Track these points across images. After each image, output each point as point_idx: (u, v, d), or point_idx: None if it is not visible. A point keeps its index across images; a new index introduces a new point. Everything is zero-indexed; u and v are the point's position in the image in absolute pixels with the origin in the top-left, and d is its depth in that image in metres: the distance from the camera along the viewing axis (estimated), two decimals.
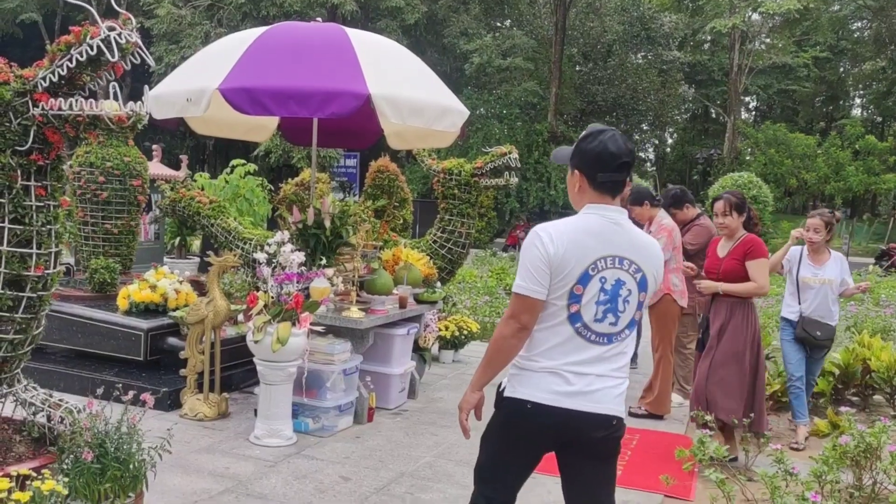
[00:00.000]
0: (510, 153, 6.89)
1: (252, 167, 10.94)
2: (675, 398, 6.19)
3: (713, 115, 42.20)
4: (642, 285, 2.51)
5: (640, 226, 6.08)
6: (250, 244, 6.64)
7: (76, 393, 5.33)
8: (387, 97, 4.75)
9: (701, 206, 6.90)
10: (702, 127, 43.49)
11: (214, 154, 36.83)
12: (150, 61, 2.95)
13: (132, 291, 5.89)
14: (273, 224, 11.92)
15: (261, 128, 6.59)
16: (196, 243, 13.97)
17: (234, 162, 11.09)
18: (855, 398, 6.41)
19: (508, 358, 2.55)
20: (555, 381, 2.48)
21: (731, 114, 26.85)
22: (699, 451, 3.60)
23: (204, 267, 10.83)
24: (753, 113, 45.18)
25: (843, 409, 4.34)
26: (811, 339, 5.30)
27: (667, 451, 5.06)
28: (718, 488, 3.37)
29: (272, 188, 11.23)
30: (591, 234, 2.45)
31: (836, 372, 6.19)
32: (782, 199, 24.54)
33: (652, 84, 31.57)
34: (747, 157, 25.91)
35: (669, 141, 46.08)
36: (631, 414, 5.85)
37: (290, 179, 9.43)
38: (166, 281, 6.03)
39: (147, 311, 5.88)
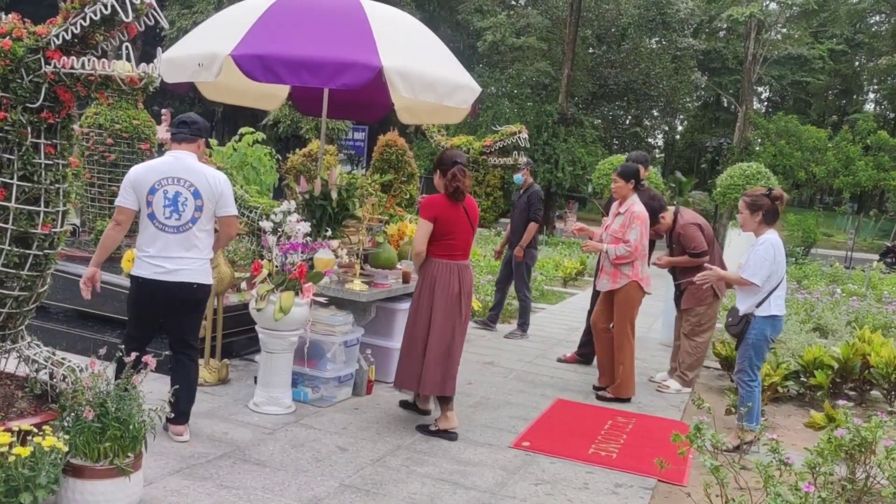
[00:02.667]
0: (520, 132, 6.89)
1: (260, 135, 10.87)
2: (673, 384, 6.22)
3: (725, 104, 41.95)
4: (196, 195, 3.98)
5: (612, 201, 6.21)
6: (256, 212, 6.65)
7: (78, 353, 5.38)
8: (399, 70, 4.72)
9: (707, 195, 6.94)
10: (713, 115, 43.26)
11: (223, 121, 36.74)
12: (164, 23, 2.93)
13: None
14: (279, 194, 11.91)
15: (271, 96, 6.56)
16: None
17: (242, 130, 11.02)
18: (852, 392, 6.42)
19: (112, 244, 4.00)
20: (152, 263, 3.94)
21: (744, 103, 26.64)
22: (695, 438, 3.61)
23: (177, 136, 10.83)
24: (766, 103, 44.92)
25: (840, 402, 4.34)
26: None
27: (662, 436, 5.09)
28: (712, 475, 3.39)
29: (279, 157, 11.19)
30: (153, 167, 3.99)
31: (835, 366, 6.20)
32: (790, 191, 24.40)
33: (665, 70, 31.31)
34: (756, 148, 25.74)
35: (679, 128, 45.86)
36: (599, 397, 5.86)
37: (298, 150, 9.41)
38: None
39: None
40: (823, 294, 11.26)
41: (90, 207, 7.23)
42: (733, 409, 5.09)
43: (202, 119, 4.27)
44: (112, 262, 6.20)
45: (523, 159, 7.17)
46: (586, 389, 6.12)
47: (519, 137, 6.81)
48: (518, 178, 8.83)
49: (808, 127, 25.33)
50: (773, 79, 36.42)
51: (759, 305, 4.92)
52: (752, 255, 4.84)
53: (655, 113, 38.49)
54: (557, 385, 6.23)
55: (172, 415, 4.00)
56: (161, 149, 9.63)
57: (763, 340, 4.98)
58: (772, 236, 4.88)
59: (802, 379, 6.34)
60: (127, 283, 5.70)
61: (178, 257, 3.97)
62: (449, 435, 4.68)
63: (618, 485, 4.20)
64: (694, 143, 43.17)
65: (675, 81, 32.52)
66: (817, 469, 3.54)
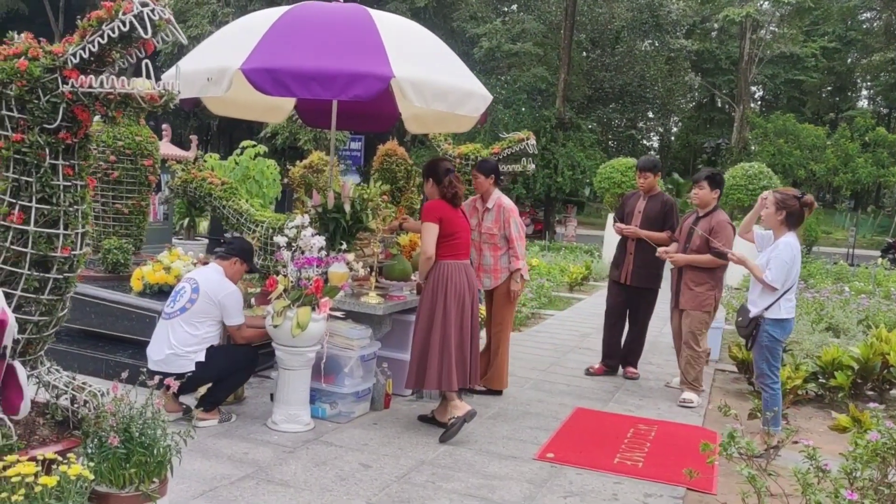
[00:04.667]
0: (528, 139, 6.83)
1: (262, 149, 10.84)
2: (693, 397, 6.03)
3: (719, 105, 42.00)
4: (195, 290, 4.65)
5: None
6: (262, 227, 6.57)
7: (90, 374, 5.30)
8: (411, 80, 4.67)
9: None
10: (707, 116, 43.33)
11: (219, 135, 36.72)
12: (182, 38, 2.86)
13: (146, 273, 5.83)
14: (281, 206, 11.85)
15: (277, 109, 6.50)
16: (204, 224, 13.90)
17: (244, 143, 10.99)
18: (871, 392, 6.36)
19: None
20: None
21: (741, 103, 26.66)
22: (728, 446, 3.54)
23: (212, 248, 10.78)
24: (759, 102, 44.97)
25: (871, 405, 4.28)
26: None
27: (685, 443, 5.03)
28: (750, 484, 3.32)
29: (282, 171, 11.16)
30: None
31: (856, 367, 6.14)
32: None
33: (659, 72, 31.40)
34: (754, 148, 25.76)
35: (674, 130, 45.92)
36: (469, 390, 5.49)
37: (298, 162, 9.35)
38: (180, 262, 5.97)
39: (161, 292, 5.81)
40: (832, 293, 11.21)
41: (94, 226, 7.16)
42: (758, 414, 5.03)
43: (240, 241, 5.04)
44: (122, 282, 6.16)
45: (531, 166, 7.11)
46: (604, 397, 6.05)
47: (527, 144, 6.75)
48: None
49: (806, 125, 25.36)
50: (767, 78, 36.50)
51: (768, 308, 4.88)
52: (775, 258, 4.79)
53: (650, 115, 38.58)
54: (574, 393, 6.16)
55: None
56: (164, 164, 9.59)
57: (775, 342, 4.95)
58: (793, 240, 4.85)
59: (822, 380, 6.28)
60: (138, 301, 5.67)
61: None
62: (469, 414, 4.75)
63: (647, 495, 4.13)
64: (689, 144, 43.23)
65: (670, 83, 32.64)
66: (853, 475, 3.47)
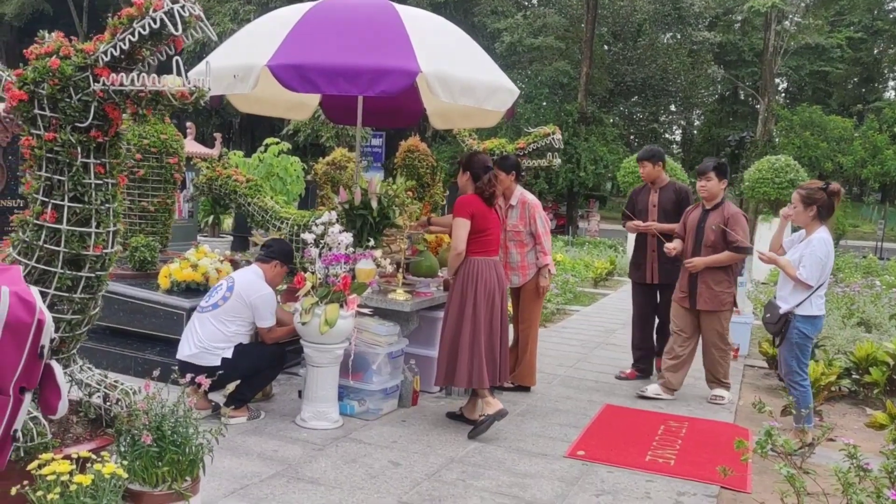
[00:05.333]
0: (553, 134, 6.76)
1: (286, 145, 10.86)
2: (724, 393, 5.93)
3: (742, 98, 41.51)
4: (230, 288, 4.76)
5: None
6: (287, 224, 6.57)
7: (119, 371, 5.34)
8: (438, 75, 4.63)
9: (729, 189, 6.71)
10: (730, 109, 42.82)
11: (241, 132, 36.91)
12: (212, 34, 2.85)
13: (173, 270, 5.85)
14: (305, 203, 11.87)
15: (302, 105, 6.50)
16: (228, 222, 13.96)
17: (268, 140, 11.01)
18: None
19: None
20: None
21: (765, 95, 26.33)
22: (765, 443, 3.48)
23: (237, 245, 10.81)
24: (783, 95, 44.42)
25: None
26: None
27: (717, 440, 4.96)
28: (788, 483, 3.25)
29: (305, 168, 11.18)
30: None
31: (891, 362, 6.03)
32: None
33: (682, 64, 31.08)
34: (778, 140, 25.44)
35: (697, 123, 45.46)
36: (498, 387, 5.33)
37: (321, 158, 9.35)
38: (207, 260, 5.98)
39: (188, 290, 5.84)
40: (862, 287, 11.03)
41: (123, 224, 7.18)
42: (792, 410, 4.95)
43: (279, 244, 5.04)
44: (150, 279, 6.18)
45: (557, 161, 7.04)
46: (633, 394, 5.99)
47: (553, 139, 6.68)
48: None
49: (832, 117, 25.00)
50: (791, 69, 36.00)
51: (799, 304, 4.79)
52: (810, 254, 4.69)
53: (673, 108, 38.24)
54: (603, 389, 6.10)
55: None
56: (189, 162, 9.63)
57: (806, 339, 4.85)
58: (826, 235, 4.76)
59: (855, 376, 6.18)
60: (165, 298, 5.69)
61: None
62: (500, 413, 4.71)
63: (680, 493, 4.07)
64: (712, 138, 42.76)
65: (693, 76, 32.30)
66: (895, 474, 3.39)
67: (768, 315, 5.00)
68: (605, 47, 31.63)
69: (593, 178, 25.29)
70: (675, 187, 6.41)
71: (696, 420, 5.41)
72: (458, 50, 5.17)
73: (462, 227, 4.75)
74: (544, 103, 26.83)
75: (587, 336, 8.40)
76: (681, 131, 45.98)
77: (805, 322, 4.81)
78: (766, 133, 25.65)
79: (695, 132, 45.50)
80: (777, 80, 36.18)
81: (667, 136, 42.38)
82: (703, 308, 5.77)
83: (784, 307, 4.85)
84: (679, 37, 31.98)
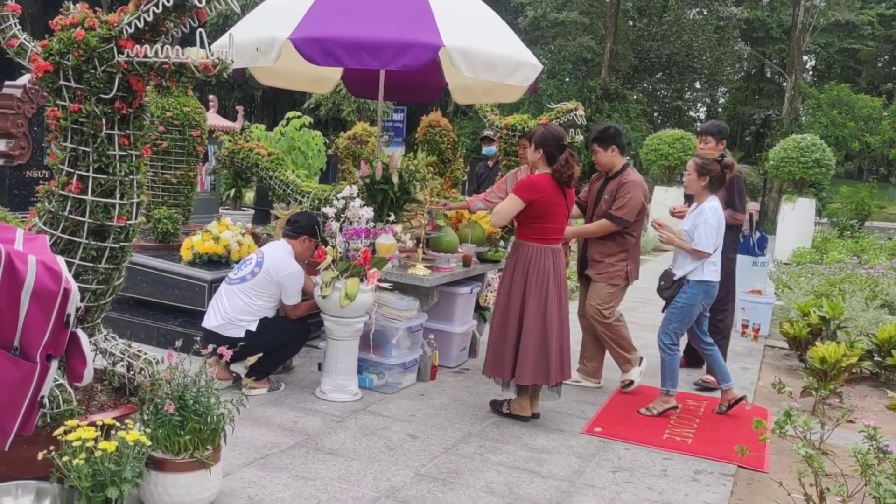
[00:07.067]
0: (576, 110, 6.70)
1: (307, 119, 10.86)
2: (628, 377, 5.63)
3: (768, 75, 40.87)
4: (259, 264, 4.77)
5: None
6: (308, 197, 6.58)
7: (142, 341, 5.40)
8: (461, 49, 4.61)
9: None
10: (756, 86, 42.18)
11: (262, 106, 36.94)
12: (236, 7, 2.84)
13: (196, 242, 5.90)
14: (326, 177, 11.88)
15: (324, 79, 6.49)
16: (249, 195, 14.02)
17: (289, 114, 11.01)
18: None
19: None
20: None
21: (793, 73, 25.89)
22: (784, 424, 3.47)
23: (258, 219, 10.86)
24: (811, 72, 43.66)
25: None
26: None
27: (734, 419, 4.95)
28: (806, 463, 3.24)
29: (326, 142, 11.18)
30: None
31: None
32: (842, 162, 23.76)
33: (708, 41, 30.60)
34: (804, 119, 25.03)
35: (721, 101, 44.87)
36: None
37: (342, 133, 9.35)
38: (229, 233, 6.02)
39: (210, 262, 5.89)
40: (887, 269, 10.89)
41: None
42: (812, 392, 4.92)
43: (306, 218, 5.01)
44: (172, 251, 6.24)
45: (579, 137, 6.98)
46: (651, 372, 5.94)
47: (575, 115, 6.60)
48: (490, 149, 8.68)
49: (861, 96, 24.55)
50: (820, 47, 35.34)
51: (692, 271, 4.87)
52: (703, 224, 4.78)
53: (697, 85, 37.72)
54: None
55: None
56: (211, 135, 9.67)
57: (692, 305, 4.88)
58: (715, 203, 4.87)
59: (877, 359, 6.13)
60: (188, 270, 5.74)
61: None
62: (521, 418, 4.62)
63: (697, 471, 4.08)
64: (737, 116, 42.18)
65: (718, 52, 31.80)
66: None
67: (662, 283, 5.05)
68: (630, 22, 31.18)
69: None
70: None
71: (714, 399, 5.39)
72: (482, 24, 5.13)
73: (513, 204, 4.41)
74: (567, 79, 26.60)
75: None
76: (705, 109, 45.39)
77: (697, 287, 4.85)
78: (793, 111, 25.26)
79: (719, 110, 44.88)
80: (805, 58, 35.56)
81: (691, 113, 41.86)
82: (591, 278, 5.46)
83: (679, 273, 4.92)
84: (705, 12, 31.47)
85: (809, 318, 6.67)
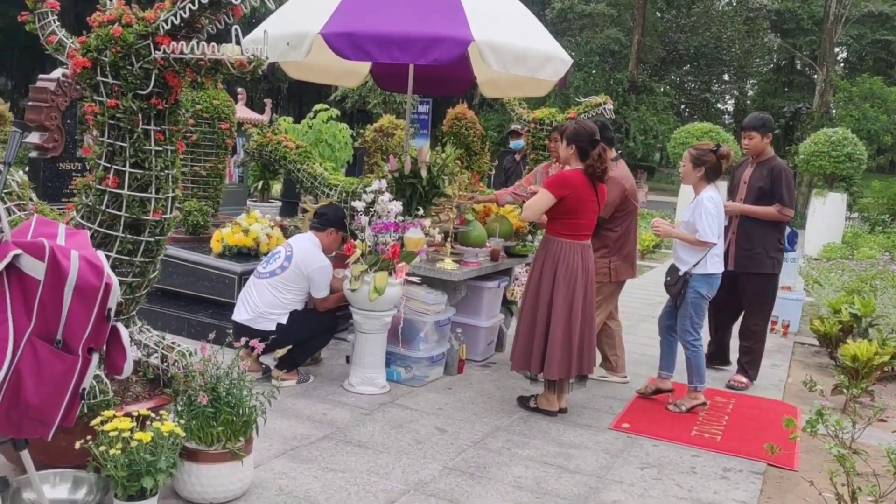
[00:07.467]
0: (605, 104, 6.67)
1: (335, 112, 10.91)
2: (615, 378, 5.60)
3: (798, 67, 40.31)
4: (288, 258, 4.84)
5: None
6: (335, 190, 6.62)
7: (172, 332, 5.46)
8: (491, 44, 4.60)
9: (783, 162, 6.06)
10: (786, 79, 41.63)
11: (289, 98, 37.12)
12: (270, 3, 2.87)
13: (225, 235, 5.96)
14: (352, 170, 11.93)
15: (353, 73, 6.51)
16: (277, 187, 14.11)
17: (317, 107, 11.06)
18: None
19: None
20: None
21: (824, 65, 25.51)
22: (815, 423, 3.44)
23: (286, 211, 10.94)
24: (842, 65, 42.98)
25: None
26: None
27: (764, 416, 4.92)
28: (838, 463, 3.22)
29: (353, 134, 11.22)
30: None
31: None
32: (874, 157, 23.39)
33: (737, 32, 30.31)
34: (836, 112, 24.68)
35: (750, 93, 44.36)
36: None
37: (368, 125, 9.37)
38: (258, 225, 6.07)
39: (240, 254, 5.95)
40: None
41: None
42: (844, 390, 4.87)
43: (333, 210, 5.07)
44: (202, 243, 6.31)
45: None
46: (679, 367, 5.93)
47: (604, 109, 6.57)
48: (517, 143, 8.63)
49: (894, 89, 24.13)
50: (852, 39, 34.77)
51: (696, 264, 4.84)
52: (704, 213, 4.75)
53: (726, 77, 37.35)
54: (648, 363, 6.07)
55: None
56: (240, 128, 9.73)
57: (700, 298, 4.87)
58: (713, 193, 4.84)
59: None
60: (218, 262, 5.81)
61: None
62: (548, 413, 4.63)
63: (726, 469, 4.06)
64: (766, 109, 41.56)
65: (748, 44, 31.49)
66: None
67: (669, 279, 5.04)
68: (658, 14, 30.93)
69: (642, 149, 24.94)
70: (772, 164, 5.63)
71: (743, 396, 5.37)
72: (511, 18, 5.12)
73: (544, 199, 4.42)
74: (594, 71, 26.45)
75: (633, 308, 8.35)
76: (734, 101, 44.89)
77: (701, 281, 4.84)
78: (824, 104, 24.90)
79: (748, 102, 44.35)
80: (836, 50, 35.01)
81: (719, 105, 41.46)
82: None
83: (683, 268, 4.90)
84: (735, 3, 31.13)
85: (841, 315, 6.59)
